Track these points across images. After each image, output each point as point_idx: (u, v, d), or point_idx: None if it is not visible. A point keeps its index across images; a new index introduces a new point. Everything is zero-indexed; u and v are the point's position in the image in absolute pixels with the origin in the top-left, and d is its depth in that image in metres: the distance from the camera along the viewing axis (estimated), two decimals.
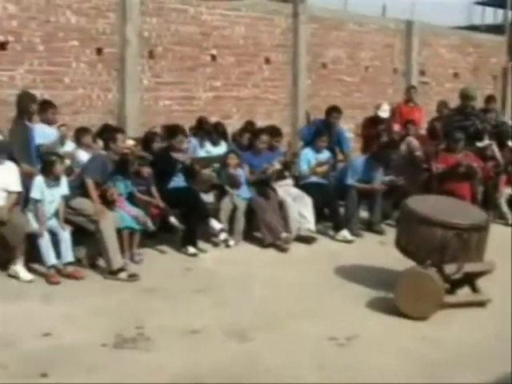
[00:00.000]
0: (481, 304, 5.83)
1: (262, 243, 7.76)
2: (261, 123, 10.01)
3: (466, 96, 9.46)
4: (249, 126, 9.35)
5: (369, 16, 14.15)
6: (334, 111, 9.49)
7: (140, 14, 9.47)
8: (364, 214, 8.93)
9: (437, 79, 14.74)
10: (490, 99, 11.45)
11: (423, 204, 6.13)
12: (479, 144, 9.46)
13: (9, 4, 8.17)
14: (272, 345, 4.93)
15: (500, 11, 28.61)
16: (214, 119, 9.68)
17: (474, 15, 32.79)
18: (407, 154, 9.53)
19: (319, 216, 8.53)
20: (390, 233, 7.61)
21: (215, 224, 7.56)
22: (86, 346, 4.77)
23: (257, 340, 5.02)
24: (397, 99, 11.79)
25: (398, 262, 6.11)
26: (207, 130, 8.80)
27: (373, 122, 10.26)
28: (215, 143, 8.75)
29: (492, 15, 32.44)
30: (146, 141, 8.04)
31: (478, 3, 32.18)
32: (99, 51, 9.11)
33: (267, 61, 11.47)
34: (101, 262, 6.70)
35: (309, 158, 8.72)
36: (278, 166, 8.29)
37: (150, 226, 7.12)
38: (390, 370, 4.56)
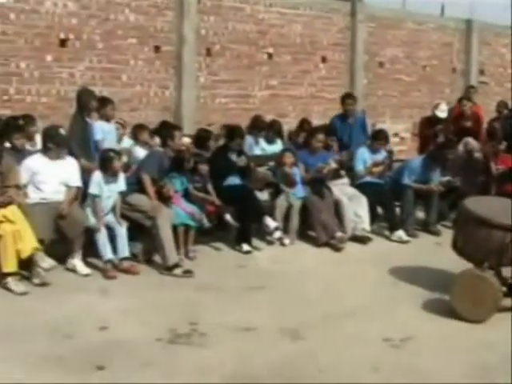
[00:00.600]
0: None
1: (316, 242, 7.74)
2: (317, 122, 9.97)
3: None
4: (305, 125, 9.32)
5: (427, 15, 13.97)
6: (347, 98, 9.32)
7: (197, 11, 9.57)
8: (420, 214, 8.81)
9: (496, 79, 14.45)
10: None
11: (481, 205, 6.01)
12: None
13: (69, 2, 8.36)
14: (326, 344, 4.91)
15: None
16: (269, 117, 9.70)
17: None
18: (465, 155, 9.37)
19: (374, 216, 8.47)
20: (446, 234, 7.49)
21: (270, 222, 7.56)
22: (141, 341, 4.84)
23: (310, 339, 5.00)
24: (455, 99, 11.58)
25: (454, 263, 6.01)
26: (262, 128, 8.82)
27: (430, 122, 10.10)
28: (270, 141, 8.77)
29: None
30: (199, 138, 8.08)
31: None
32: (157, 49, 9.25)
33: (324, 59, 11.44)
34: (156, 258, 6.79)
35: (365, 158, 8.65)
36: (333, 165, 8.24)
37: (206, 222, 7.18)
38: (444, 373, 4.49)
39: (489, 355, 4.80)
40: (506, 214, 5.82)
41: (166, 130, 7.49)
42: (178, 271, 6.48)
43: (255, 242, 7.59)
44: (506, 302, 5.61)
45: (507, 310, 5.52)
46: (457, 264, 5.92)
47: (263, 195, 8.01)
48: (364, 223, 8.06)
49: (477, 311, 5.38)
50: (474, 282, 5.46)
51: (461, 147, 9.43)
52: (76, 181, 6.59)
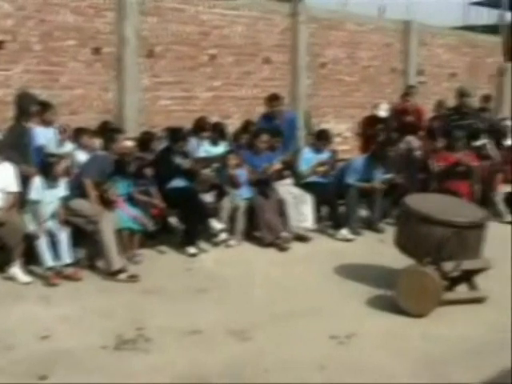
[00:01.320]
0: (478, 301, 5.84)
1: (262, 243, 7.75)
2: None
3: (462, 93, 9.49)
4: (248, 126, 9.32)
5: (367, 16, 14.18)
6: (274, 100, 9.26)
7: (138, 13, 9.46)
8: (364, 212, 8.92)
9: (434, 79, 14.75)
10: (486, 98, 11.58)
11: (422, 202, 6.13)
12: (476, 143, 9.49)
13: (5, 3, 8.15)
14: (273, 344, 4.93)
15: (495, 11, 28.66)
16: (213, 119, 9.66)
17: (469, 15, 32.84)
18: (406, 153, 9.54)
19: (319, 215, 8.55)
20: (390, 231, 7.59)
21: (215, 224, 7.56)
22: (85, 348, 4.75)
23: (258, 339, 5.01)
24: (395, 98, 11.78)
25: (398, 260, 6.10)
26: (206, 130, 8.79)
27: (372, 122, 10.24)
28: (214, 143, 8.72)
29: (487, 15, 32.48)
30: (142, 141, 7.98)
31: (474, 3, 32.21)
32: (97, 51, 9.10)
33: (267, 60, 11.46)
34: (100, 264, 6.68)
35: (309, 158, 8.71)
36: (278, 165, 8.28)
37: (150, 226, 7.11)
38: (390, 368, 4.56)
39: (433, 348, 4.90)
40: (446, 210, 5.96)
41: (107, 133, 7.39)
42: (122, 276, 6.40)
43: (201, 244, 7.55)
44: (447, 295, 5.74)
45: (448, 304, 5.65)
46: (400, 260, 6.02)
47: (208, 197, 7.97)
48: (307, 222, 8.12)
49: (419, 306, 5.49)
50: (417, 277, 5.56)
51: (402, 145, 9.59)
52: (14, 186, 6.44)
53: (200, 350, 4.79)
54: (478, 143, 9.60)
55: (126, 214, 6.94)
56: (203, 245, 7.57)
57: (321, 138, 8.86)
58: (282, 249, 7.59)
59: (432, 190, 8.36)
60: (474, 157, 9.02)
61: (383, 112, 10.23)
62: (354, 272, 6.73)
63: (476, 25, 28.35)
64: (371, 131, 10.06)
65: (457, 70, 15.37)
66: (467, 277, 5.93)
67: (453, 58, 15.29)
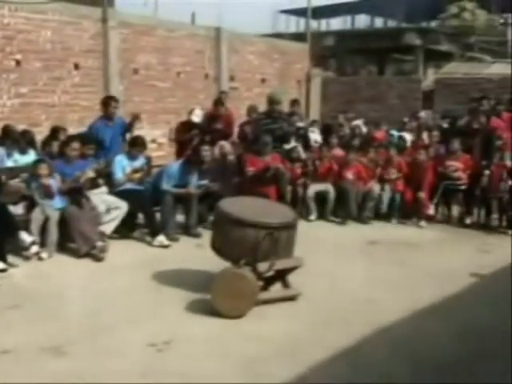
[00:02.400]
0: (292, 298, 6.10)
1: (77, 254, 7.53)
2: (73, 130, 9.71)
3: (272, 100, 9.85)
4: (57, 134, 9.00)
5: (179, 22, 14.29)
6: (111, 100, 9.28)
7: None
8: (180, 218, 8.97)
9: (246, 84, 15.21)
10: (294, 103, 12.12)
11: (235, 206, 6.28)
12: (286, 146, 9.91)
13: None
14: (91, 357, 4.81)
15: (303, 20, 30.22)
16: (21, 127, 9.25)
17: (279, 23, 34.33)
18: (220, 158, 9.73)
19: (134, 223, 8.53)
20: (207, 236, 7.70)
21: (25, 237, 7.21)
22: None
23: (74, 354, 4.86)
24: (208, 104, 11.99)
25: (216, 264, 6.19)
26: (14, 139, 8.38)
27: (186, 127, 10.34)
28: (23, 152, 8.34)
29: (295, 23, 34.13)
30: None
31: (282, 11, 33.74)
32: None
33: (77, 66, 11.19)
34: None
35: (123, 165, 8.60)
36: (91, 173, 8.08)
37: None
38: (210, 370, 4.63)
39: (252, 348, 5.03)
40: (258, 212, 6.15)
41: None
42: None
43: (11, 258, 7.15)
44: (263, 295, 5.94)
45: (264, 303, 5.85)
46: (218, 264, 6.10)
47: (17, 209, 7.60)
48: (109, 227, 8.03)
49: (236, 307, 5.62)
50: (232, 279, 5.70)
51: (216, 150, 9.77)
52: None
53: (12, 369, 4.55)
54: (288, 146, 10.03)
55: None
56: (13, 259, 7.18)
57: (134, 145, 8.77)
58: (99, 259, 7.42)
59: (245, 193, 8.59)
60: (283, 160, 9.41)
61: (197, 117, 10.37)
62: (172, 278, 6.74)
63: (285, 32, 29.67)
64: (186, 136, 10.16)
65: (267, 75, 15.96)
66: (281, 276, 6.17)
67: (263, 64, 15.85)
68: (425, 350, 5.06)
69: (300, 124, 11.47)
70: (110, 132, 9.06)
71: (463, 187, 9.64)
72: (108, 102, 9.24)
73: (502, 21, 34.83)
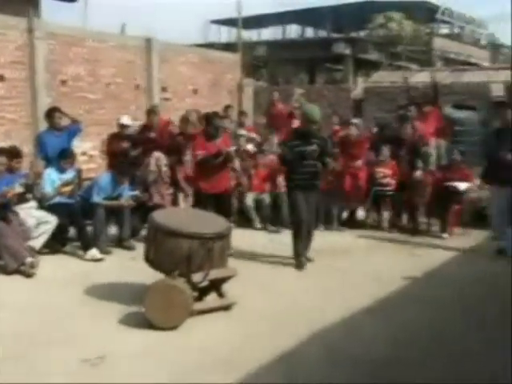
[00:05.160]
0: (227, 307, 6.10)
1: (5, 271, 7.31)
2: None
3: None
4: None
5: (108, 33, 14.11)
6: (56, 111, 9.22)
7: None
8: (113, 230, 8.84)
9: (178, 95, 15.14)
10: (227, 108, 12.66)
11: (169, 217, 6.25)
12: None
13: None
14: (23, 374, 4.68)
15: (234, 30, 30.37)
16: None
17: (210, 33, 34.41)
18: (156, 169, 9.61)
19: (67, 236, 8.40)
20: (140, 248, 7.59)
21: None
22: None
23: (7, 374, 4.70)
24: (140, 115, 11.87)
25: (150, 276, 6.11)
26: None
27: (117, 138, 10.21)
28: None
29: (227, 33, 34.28)
30: None
31: (213, 22, 33.83)
32: None
33: (2, 78, 10.91)
34: None
35: (53, 179, 8.43)
36: (18, 188, 7.86)
37: None
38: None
39: (187, 359, 4.99)
40: (191, 223, 6.13)
41: None
42: None
43: None
44: (198, 305, 5.92)
45: (199, 313, 5.82)
46: (153, 276, 6.03)
47: None
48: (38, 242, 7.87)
49: (170, 318, 5.58)
50: (165, 290, 5.65)
51: (152, 161, 9.65)
52: None
53: None
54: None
55: None
56: None
57: (64, 158, 8.59)
58: (29, 275, 7.23)
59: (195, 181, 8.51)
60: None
61: (127, 120, 10.24)
62: (106, 292, 6.63)
63: (217, 42, 29.73)
64: (117, 148, 10.02)
65: (199, 86, 15.93)
66: (215, 286, 6.16)
67: (195, 75, 15.81)
68: (360, 352, 5.13)
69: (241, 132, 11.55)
70: (57, 142, 8.88)
71: (391, 193, 9.87)
72: (51, 113, 9.16)
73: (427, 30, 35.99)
